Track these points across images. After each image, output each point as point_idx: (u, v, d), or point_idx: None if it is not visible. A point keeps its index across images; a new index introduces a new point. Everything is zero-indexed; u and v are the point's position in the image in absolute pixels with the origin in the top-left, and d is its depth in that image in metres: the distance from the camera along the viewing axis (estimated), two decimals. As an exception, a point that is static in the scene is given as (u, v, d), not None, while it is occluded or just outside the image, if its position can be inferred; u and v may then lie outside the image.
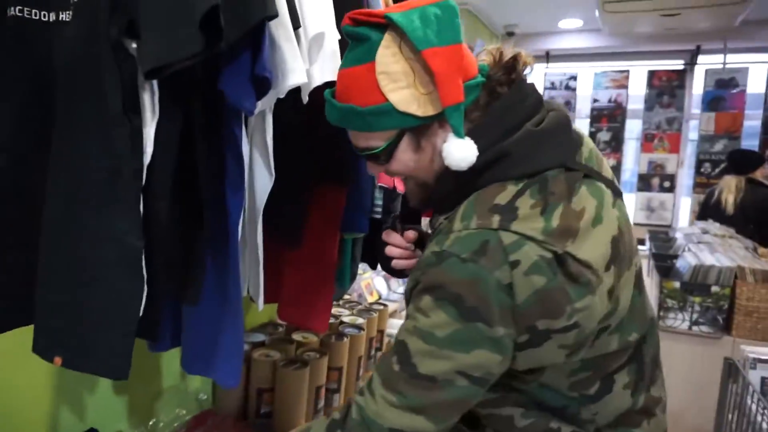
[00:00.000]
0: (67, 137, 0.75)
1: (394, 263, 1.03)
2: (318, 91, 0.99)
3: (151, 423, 1.37)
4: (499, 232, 0.73)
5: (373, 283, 3.28)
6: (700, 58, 4.72)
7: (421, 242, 1.05)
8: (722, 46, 4.47)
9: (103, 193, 0.74)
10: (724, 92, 4.65)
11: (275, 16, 0.77)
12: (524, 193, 0.76)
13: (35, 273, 0.78)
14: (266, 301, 1.30)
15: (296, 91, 0.91)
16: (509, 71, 0.82)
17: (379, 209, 1.27)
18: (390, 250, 1.02)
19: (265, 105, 0.88)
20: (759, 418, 1.56)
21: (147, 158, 0.76)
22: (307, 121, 1.13)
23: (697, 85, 4.76)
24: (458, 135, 0.78)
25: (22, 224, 0.80)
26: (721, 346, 2.49)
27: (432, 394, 0.75)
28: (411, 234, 1.03)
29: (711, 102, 4.68)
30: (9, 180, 0.78)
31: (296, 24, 0.85)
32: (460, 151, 0.77)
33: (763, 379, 1.71)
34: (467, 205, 0.79)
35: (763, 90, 4.50)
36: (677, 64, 4.81)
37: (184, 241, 0.88)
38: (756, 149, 4.57)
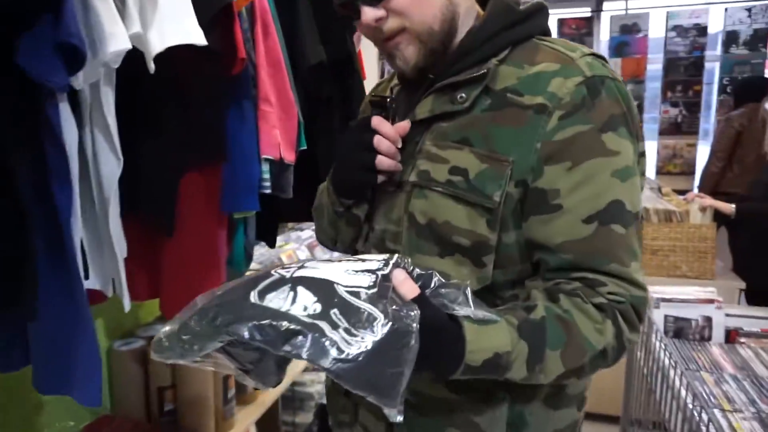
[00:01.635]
0: None
1: (379, 161, 0.75)
2: (180, 56, 0.86)
3: (33, 441, 1.23)
4: (601, 58, 0.73)
5: (295, 255, 3.18)
6: (605, 5, 4.81)
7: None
8: (624, -10, 4.56)
9: None
10: (628, 38, 4.78)
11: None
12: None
13: None
14: (147, 296, 1.18)
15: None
16: None
17: (268, 183, 1.16)
18: (379, 141, 0.75)
19: (90, 78, 0.74)
20: (662, 355, 1.63)
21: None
22: (171, 92, 0.99)
23: (604, 32, 4.86)
24: None
25: None
26: (631, 284, 2.60)
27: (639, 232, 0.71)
28: (406, 124, 0.77)
29: (617, 47, 4.81)
30: None
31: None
32: None
33: (665, 317, 1.78)
34: (545, 46, 0.73)
35: (663, 34, 4.66)
36: (584, 12, 4.88)
37: (10, 247, 0.74)
38: (658, 92, 4.79)
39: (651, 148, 4.78)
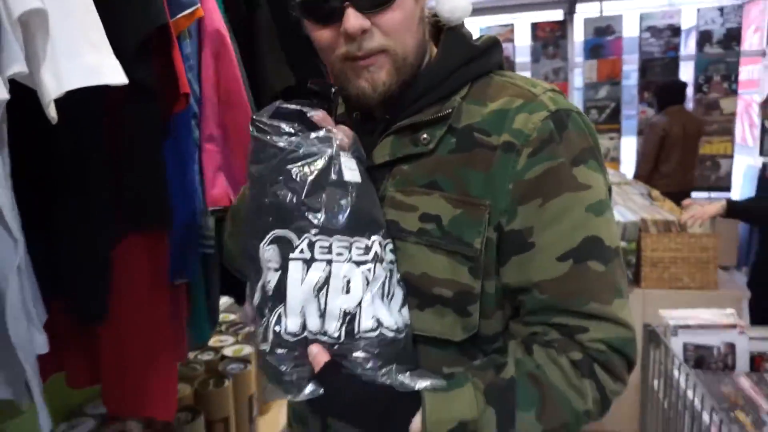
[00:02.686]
0: None
1: None
2: (101, 94, 0.66)
3: None
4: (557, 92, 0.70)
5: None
6: (578, 7, 4.74)
7: None
8: (597, -7, 4.51)
9: None
10: (602, 40, 4.71)
11: None
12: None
13: None
14: (87, 383, 0.96)
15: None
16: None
17: (212, 242, 0.95)
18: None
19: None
20: (684, 386, 1.48)
21: None
22: (94, 142, 0.78)
23: (578, 34, 4.79)
24: None
25: None
26: (634, 299, 2.46)
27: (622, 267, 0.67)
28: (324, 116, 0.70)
29: (591, 50, 4.75)
30: None
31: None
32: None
33: (685, 345, 1.62)
34: (505, 82, 0.70)
35: (636, 34, 4.61)
36: (557, 15, 4.80)
37: None
38: (634, 92, 4.73)
39: (630, 147, 4.73)
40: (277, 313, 0.60)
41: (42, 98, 0.58)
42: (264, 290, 0.62)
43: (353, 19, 0.63)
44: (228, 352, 1.63)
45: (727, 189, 4.50)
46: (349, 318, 0.60)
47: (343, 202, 0.62)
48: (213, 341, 1.69)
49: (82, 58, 0.59)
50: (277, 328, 0.60)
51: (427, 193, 0.67)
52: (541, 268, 0.63)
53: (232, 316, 1.91)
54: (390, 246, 0.65)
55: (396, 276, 0.65)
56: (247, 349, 1.64)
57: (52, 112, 0.60)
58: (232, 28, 1.07)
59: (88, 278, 0.78)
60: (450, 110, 0.67)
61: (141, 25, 0.73)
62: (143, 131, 0.81)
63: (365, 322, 0.60)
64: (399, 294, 0.65)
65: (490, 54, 0.71)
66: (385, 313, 0.62)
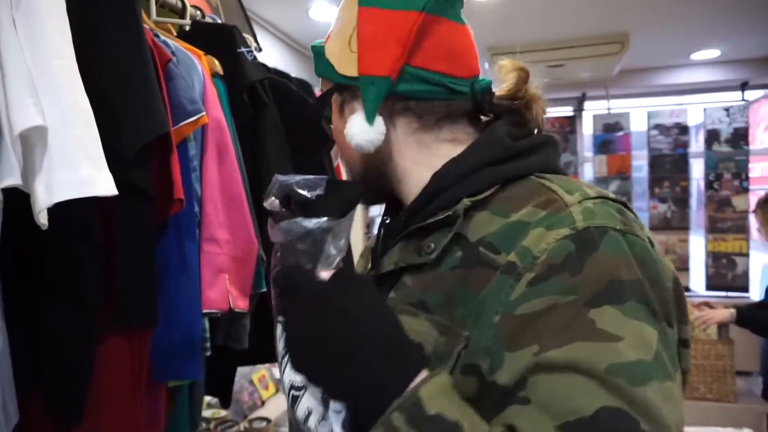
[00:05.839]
0: None
1: None
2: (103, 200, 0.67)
3: None
4: (617, 203, 0.55)
5: (269, 374, 2.85)
6: (587, 104, 4.90)
7: None
8: (605, 93, 4.67)
9: None
10: (612, 135, 4.82)
11: None
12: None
13: None
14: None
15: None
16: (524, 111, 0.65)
17: (209, 344, 0.93)
18: None
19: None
20: None
21: None
22: (83, 242, 0.79)
23: (587, 130, 4.91)
24: (367, 116, 0.62)
25: None
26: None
27: None
28: None
29: (601, 145, 4.84)
30: None
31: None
32: (362, 132, 0.62)
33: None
34: (540, 185, 0.57)
35: (645, 129, 4.71)
36: (567, 111, 4.95)
37: None
38: (645, 186, 4.75)
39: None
40: None
41: (33, 206, 0.59)
42: None
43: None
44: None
45: (745, 289, 4.38)
46: None
47: None
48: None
49: (77, 171, 0.61)
50: None
51: (414, 314, 0.56)
52: (534, 428, 0.45)
53: (223, 412, 1.83)
54: None
55: None
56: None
57: (42, 219, 0.61)
58: (239, 127, 1.11)
59: (67, 378, 0.76)
60: (451, 213, 0.57)
61: (143, 134, 0.76)
62: (135, 230, 0.82)
63: None
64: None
65: (534, 153, 0.61)
66: None
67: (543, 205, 0.53)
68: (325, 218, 0.56)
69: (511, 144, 0.60)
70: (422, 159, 0.63)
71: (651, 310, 0.48)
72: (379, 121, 0.62)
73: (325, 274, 0.54)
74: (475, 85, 0.63)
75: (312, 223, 0.56)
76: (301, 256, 0.56)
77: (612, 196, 0.55)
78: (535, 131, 0.64)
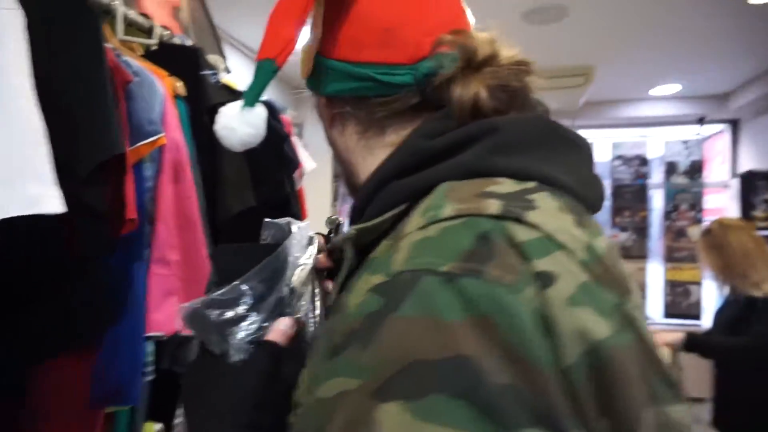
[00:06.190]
0: None
1: None
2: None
3: None
4: (504, 222, 0.37)
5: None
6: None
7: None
8: (571, 123, 4.84)
9: None
10: (577, 164, 4.97)
11: None
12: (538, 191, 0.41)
13: None
14: None
15: None
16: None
17: (151, 368, 0.91)
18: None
19: None
20: None
21: None
22: (21, 263, 0.78)
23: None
24: (246, 100, 0.53)
25: None
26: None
27: None
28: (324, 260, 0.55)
29: (566, 173, 4.97)
30: None
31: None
32: (240, 125, 0.55)
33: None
34: (432, 201, 0.41)
35: (609, 159, 4.88)
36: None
37: None
38: (607, 216, 4.89)
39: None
40: None
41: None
42: None
43: None
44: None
45: (697, 317, 4.53)
46: None
47: None
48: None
49: (24, 189, 0.61)
50: None
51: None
52: None
53: None
54: None
55: None
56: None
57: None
58: (200, 148, 1.12)
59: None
60: (343, 244, 0.45)
61: (97, 153, 0.76)
62: (90, 249, 0.82)
63: None
64: None
65: (455, 153, 0.44)
66: None
67: (402, 234, 0.39)
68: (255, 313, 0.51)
69: (424, 145, 0.45)
70: (369, 167, 0.50)
71: (482, 409, 0.29)
72: (256, 112, 0.54)
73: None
74: (416, 73, 0.47)
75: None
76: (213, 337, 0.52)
77: (494, 211, 0.37)
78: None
